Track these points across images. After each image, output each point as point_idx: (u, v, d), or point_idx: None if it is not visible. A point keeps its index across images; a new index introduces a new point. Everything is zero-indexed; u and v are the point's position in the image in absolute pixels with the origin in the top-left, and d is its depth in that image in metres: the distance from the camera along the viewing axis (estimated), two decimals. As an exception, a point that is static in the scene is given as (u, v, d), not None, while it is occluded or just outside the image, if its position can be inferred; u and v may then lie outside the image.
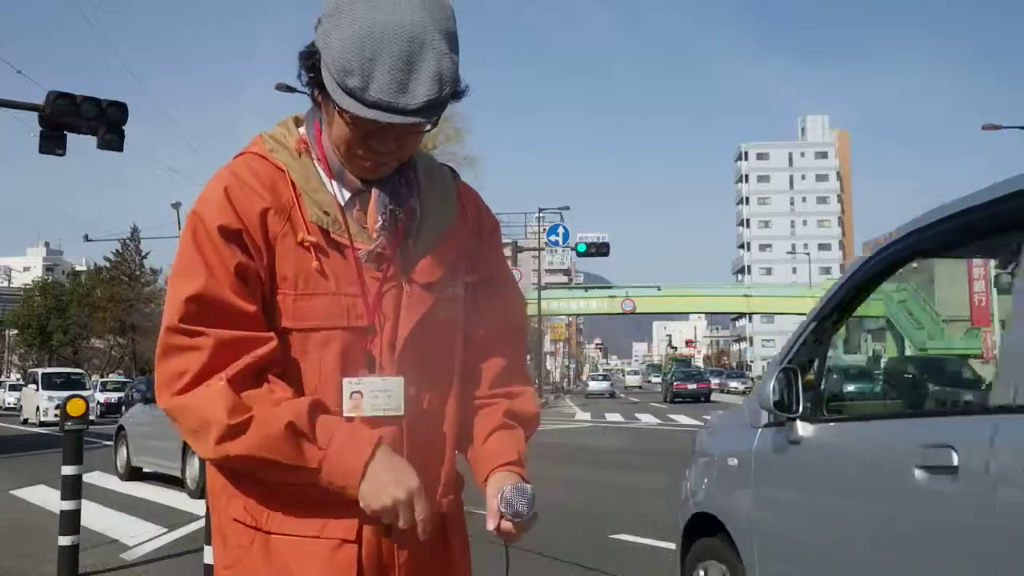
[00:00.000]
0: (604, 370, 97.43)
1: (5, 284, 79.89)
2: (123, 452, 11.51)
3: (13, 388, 37.32)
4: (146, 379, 34.14)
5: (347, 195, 1.38)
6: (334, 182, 1.38)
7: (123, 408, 30.58)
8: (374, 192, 1.38)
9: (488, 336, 1.52)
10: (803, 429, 2.78)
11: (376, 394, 1.35)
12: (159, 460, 10.45)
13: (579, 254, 33.93)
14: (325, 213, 1.35)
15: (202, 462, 5.42)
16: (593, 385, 55.02)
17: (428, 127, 1.31)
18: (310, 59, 1.29)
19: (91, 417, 19.53)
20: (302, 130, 1.42)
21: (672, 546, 6.50)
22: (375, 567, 1.34)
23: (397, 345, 1.37)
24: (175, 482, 10.05)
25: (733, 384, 49.44)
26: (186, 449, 9.47)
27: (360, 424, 1.33)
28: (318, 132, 1.39)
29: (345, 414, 1.34)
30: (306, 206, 1.35)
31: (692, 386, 39.93)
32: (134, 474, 11.25)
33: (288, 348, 1.33)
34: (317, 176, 1.38)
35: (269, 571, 1.33)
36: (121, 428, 11.82)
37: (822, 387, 2.86)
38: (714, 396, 42.55)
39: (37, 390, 27.42)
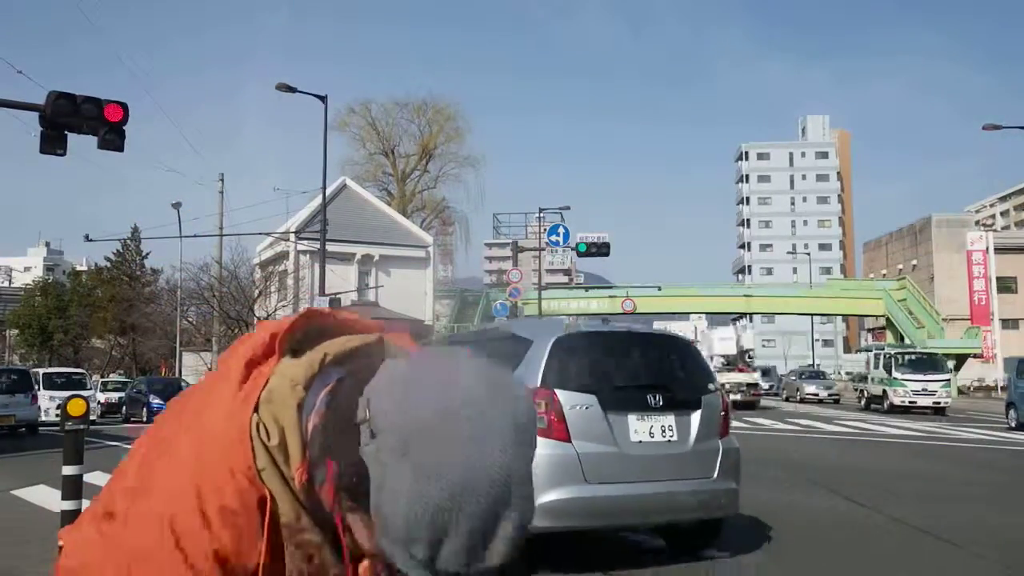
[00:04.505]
0: None
1: (6, 284, 79.85)
2: None
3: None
4: (146, 379, 34.20)
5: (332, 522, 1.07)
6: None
7: (123, 408, 30.68)
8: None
9: None
10: None
11: None
12: None
13: (579, 254, 33.91)
14: (308, 559, 1.04)
15: None
16: None
17: None
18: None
19: (92, 417, 19.58)
20: (309, 425, 1.02)
21: (672, 546, 6.52)
22: None
23: None
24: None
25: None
26: None
27: None
28: (331, 472, 1.00)
29: None
30: (288, 558, 1.03)
31: None
32: None
33: None
34: (309, 512, 1.04)
35: None
36: None
37: None
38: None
39: (38, 390, 27.40)
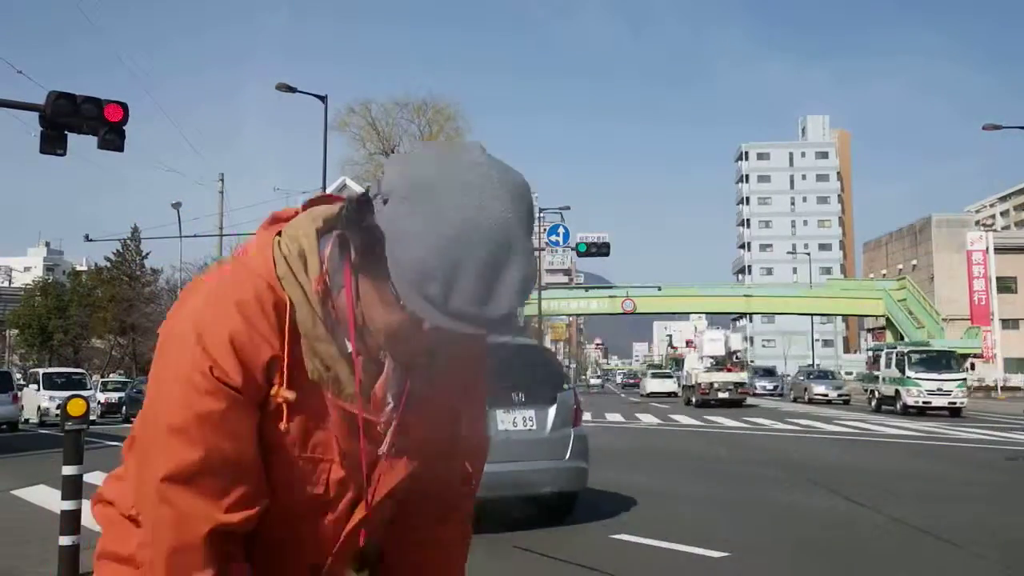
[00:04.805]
0: (603, 370, 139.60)
1: (6, 284, 79.84)
2: None
3: (14, 388, 37.34)
4: (146, 379, 34.16)
5: (349, 347, 1.16)
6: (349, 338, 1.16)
7: (123, 408, 30.67)
8: (388, 366, 1.18)
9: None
10: None
11: None
12: None
13: (579, 254, 33.98)
14: (326, 368, 1.15)
15: None
16: (592, 381, 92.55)
17: None
18: (359, 214, 1.09)
19: (92, 417, 19.66)
20: (327, 251, 1.15)
21: (672, 545, 6.52)
22: None
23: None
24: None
25: (760, 383, 50.70)
26: None
27: None
28: (348, 278, 1.14)
29: None
30: (308, 359, 1.14)
31: (631, 381, 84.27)
32: None
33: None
34: (327, 322, 1.15)
35: None
36: None
37: None
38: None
39: (38, 390, 27.44)
